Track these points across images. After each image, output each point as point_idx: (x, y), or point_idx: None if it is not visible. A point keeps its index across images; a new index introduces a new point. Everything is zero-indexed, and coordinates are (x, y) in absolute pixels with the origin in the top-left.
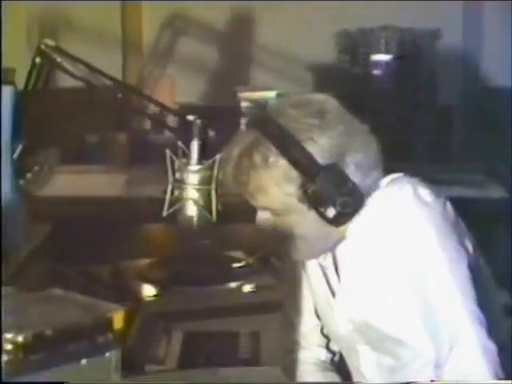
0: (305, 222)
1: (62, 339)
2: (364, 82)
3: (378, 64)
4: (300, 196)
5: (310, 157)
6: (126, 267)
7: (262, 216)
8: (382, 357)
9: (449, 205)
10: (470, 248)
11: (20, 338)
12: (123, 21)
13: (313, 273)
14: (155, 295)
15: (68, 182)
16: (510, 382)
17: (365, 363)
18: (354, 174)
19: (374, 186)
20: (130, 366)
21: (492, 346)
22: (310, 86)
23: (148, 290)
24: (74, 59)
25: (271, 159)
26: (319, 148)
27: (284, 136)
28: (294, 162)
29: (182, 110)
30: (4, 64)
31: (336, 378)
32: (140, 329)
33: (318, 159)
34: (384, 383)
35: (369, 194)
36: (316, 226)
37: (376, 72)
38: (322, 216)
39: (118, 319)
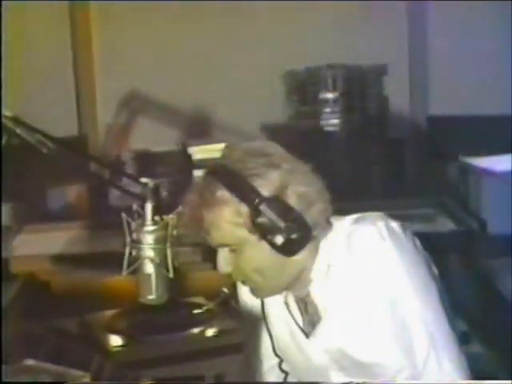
0: (259, 254)
1: None
2: (313, 120)
3: (325, 101)
4: (249, 227)
5: (254, 190)
6: (93, 320)
7: (222, 257)
8: (357, 381)
9: (415, 237)
10: (436, 275)
11: None
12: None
13: (275, 311)
14: (122, 345)
15: (33, 241)
16: (509, 382)
17: None
18: (296, 203)
19: (321, 217)
20: None
21: (464, 362)
22: (260, 132)
23: (115, 341)
24: (32, 129)
25: (219, 195)
26: (265, 182)
27: (231, 175)
28: (241, 196)
29: (139, 171)
30: None
31: None
32: (109, 378)
33: (263, 192)
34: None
35: (316, 224)
36: (271, 258)
37: (324, 109)
38: (272, 244)
39: None
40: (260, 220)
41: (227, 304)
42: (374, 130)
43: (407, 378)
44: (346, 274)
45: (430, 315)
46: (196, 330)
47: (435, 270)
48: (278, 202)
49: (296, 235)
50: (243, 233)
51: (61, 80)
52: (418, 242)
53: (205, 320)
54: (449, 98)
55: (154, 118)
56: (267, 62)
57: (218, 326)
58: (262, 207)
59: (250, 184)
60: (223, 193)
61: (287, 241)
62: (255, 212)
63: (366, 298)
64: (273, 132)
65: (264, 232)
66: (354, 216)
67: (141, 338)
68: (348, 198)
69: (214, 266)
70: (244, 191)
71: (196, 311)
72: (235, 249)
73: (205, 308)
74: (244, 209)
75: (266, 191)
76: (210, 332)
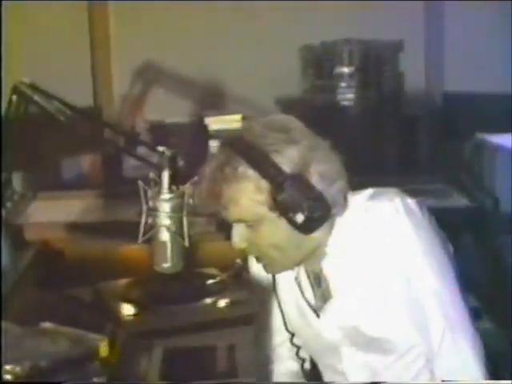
0: (277, 231)
1: (56, 369)
2: (328, 94)
3: (341, 76)
4: (270, 204)
5: (277, 167)
6: (106, 288)
7: (237, 231)
8: (369, 356)
9: (430, 213)
10: (451, 253)
11: (18, 370)
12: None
13: (285, 288)
14: (135, 314)
15: (47, 209)
16: (509, 382)
17: (349, 364)
18: (318, 182)
19: (340, 195)
20: (110, 365)
21: (478, 340)
22: (275, 105)
23: (128, 310)
24: (49, 96)
25: (241, 171)
26: (285, 159)
27: (252, 150)
28: (263, 173)
29: (153, 142)
30: None
31: None
32: (122, 347)
33: (285, 169)
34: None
35: (335, 201)
36: (288, 235)
37: (340, 84)
38: (292, 222)
39: (103, 349)
40: (282, 198)
41: (240, 275)
42: (389, 106)
43: (419, 355)
44: (362, 249)
45: (445, 295)
46: (209, 301)
47: (450, 247)
48: (300, 180)
49: (317, 214)
50: (263, 210)
51: (76, 51)
52: (433, 220)
53: (217, 291)
54: (465, 75)
55: (168, 89)
56: (282, 36)
57: (230, 297)
58: (286, 185)
59: (273, 160)
60: (245, 168)
61: (307, 219)
62: (277, 189)
63: (381, 274)
64: (287, 105)
65: (285, 210)
66: (370, 191)
67: (153, 307)
68: (362, 172)
69: (228, 237)
70: (266, 168)
71: (209, 282)
72: (252, 224)
73: (218, 279)
74: (265, 186)
75: (287, 168)
76: (223, 303)
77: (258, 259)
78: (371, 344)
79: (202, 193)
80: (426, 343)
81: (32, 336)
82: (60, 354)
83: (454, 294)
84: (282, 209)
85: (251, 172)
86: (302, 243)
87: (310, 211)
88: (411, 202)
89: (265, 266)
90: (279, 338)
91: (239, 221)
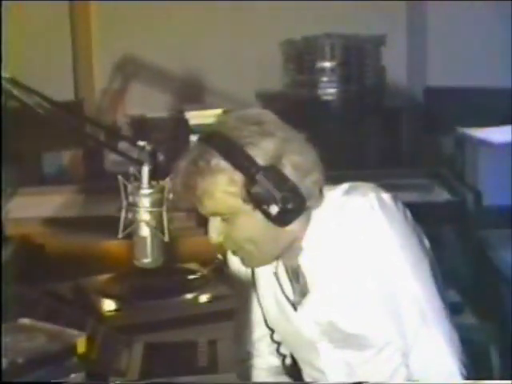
0: (252, 224)
1: (33, 365)
2: (310, 89)
3: (323, 71)
4: (244, 196)
5: (250, 159)
6: (87, 284)
7: (213, 225)
8: (346, 352)
9: (406, 208)
10: (427, 248)
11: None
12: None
13: (264, 283)
14: (115, 309)
15: (27, 204)
16: (509, 382)
17: (326, 361)
18: (291, 174)
19: (315, 188)
20: (93, 378)
21: (455, 335)
22: (256, 99)
23: (108, 305)
24: (30, 91)
25: (214, 163)
26: (260, 151)
27: (226, 143)
28: (236, 165)
29: (134, 137)
30: None
31: (288, 381)
32: (102, 342)
33: (258, 161)
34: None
35: (310, 194)
36: (263, 228)
37: (321, 78)
38: (266, 214)
39: (81, 344)
40: (255, 190)
41: (221, 270)
42: (370, 101)
43: (396, 351)
44: (337, 245)
45: (420, 290)
46: (189, 296)
47: (426, 242)
48: (274, 172)
49: (291, 205)
50: (237, 202)
51: (58, 44)
52: (409, 214)
53: (198, 286)
54: (447, 70)
55: (148, 82)
56: (265, 30)
57: (211, 292)
58: (259, 177)
59: (246, 153)
60: (218, 161)
61: (282, 211)
62: (251, 181)
63: (355, 271)
64: (268, 100)
65: (259, 202)
66: (346, 186)
67: (134, 302)
68: (344, 167)
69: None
70: (240, 160)
71: (190, 277)
72: (227, 218)
73: (199, 274)
74: (239, 178)
75: (261, 160)
76: (204, 298)
77: (235, 253)
78: (348, 340)
79: (176, 187)
80: (402, 338)
81: (9, 332)
82: (37, 349)
83: (429, 289)
84: (256, 201)
85: (225, 164)
86: (278, 237)
87: (284, 202)
88: (386, 196)
89: (242, 260)
90: (259, 333)
91: (214, 214)
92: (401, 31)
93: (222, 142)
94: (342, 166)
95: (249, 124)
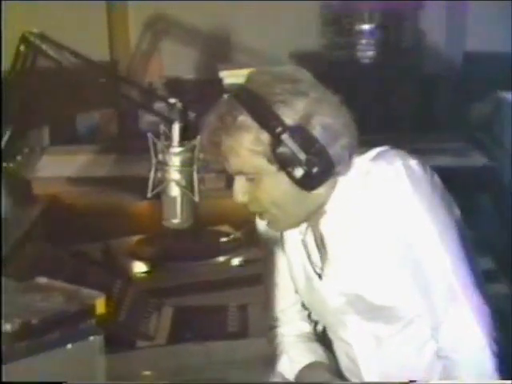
0: (277, 186)
1: (48, 326)
2: (348, 51)
3: (361, 33)
4: (269, 156)
5: (277, 118)
6: (116, 245)
7: (238, 185)
8: (373, 325)
9: (436, 175)
10: (457, 216)
11: (8, 327)
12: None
13: (292, 250)
14: (145, 272)
15: (57, 163)
16: (509, 382)
17: (353, 334)
18: (320, 135)
19: (345, 153)
20: (120, 342)
21: (485, 308)
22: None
23: (138, 267)
24: (59, 46)
25: (240, 120)
26: (290, 111)
27: (255, 100)
28: (263, 123)
29: (165, 94)
30: None
31: (319, 348)
32: (131, 305)
33: (287, 121)
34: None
35: (339, 159)
36: (288, 191)
37: (360, 41)
38: (291, 177)
39: (100, 305)
40: (281, 150)
41: (253, 233)
42: (408, 64)
43: (425, 324)
44: (361, 213)
45: (449, 261)
46: (221, 259)
47: (457, 210)
48: (301, 132)
49: (317, 169)
50: (262, 162)
51: (92, 4)
52: (438, 181)
53: (231, 249)
54: (486, 35)
55: (180, 42)
56: None
57: (244, 256)
58: (284, 136)
59: (274, 111)
60: (245, 118)
61: (307, 174)
62: (277, 141)
63: (381, 239)
64: (303, 60)
65: (284, 163)
66: (373, 152)
67: (164, 264)
68: (380, 130)
69: None
70: (267, 118)
71: (222, 239)
72: (253, 178)
73: (231, 236)
74: (265, 137)
75: (290, 120)
76: (236, 261)
77: (261, 216)
78: (375, 312)
79: (203, 142)
80: (430, 312)
81: (25, 292)
82: (53, 310)
83: (457, 259)
84: (281, 162)
85: (251, 122)
86: (303, 200)
87: (310, 165)
88: (413, 163)
89: (268, 223)
90: (289, 299)
91: (240, 173)
92: None
93: (250, 99)
94: (378, 129)
95: (282, 82)
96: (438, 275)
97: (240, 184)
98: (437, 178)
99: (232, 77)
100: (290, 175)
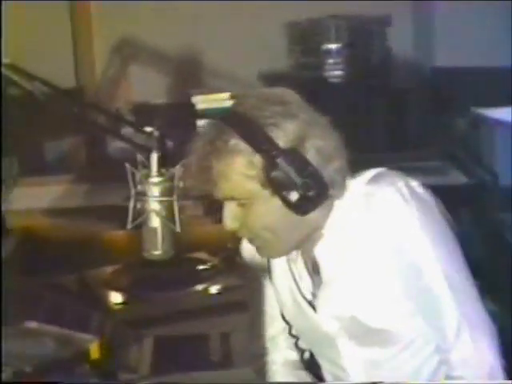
0: (270, 210)
1: (42, 374)
2: (315, 71)
3: (328, 52)
4: (262, 181)
5: (271, 141)
6: (93, 276)
7: (228, 211)
8: (368, 350)
9: (437, 197)
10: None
11: (2, 376)
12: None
13: (280, 277)
14: (123, 302)
15: (29, 195)
16: (510, 382)
17: (347, 358)
18: (314, 158)
19: (339, 175)
20: (103, 375)
21: (494, 329)
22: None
23: (115, 298)
24: (30, 77)
25: (232, 144)
26: (282, 133)
27: (246, 122)
28: (256, 147)
29: (140, 123)
30: None
31: (307, 376)
32: (110, 337)
33: (280, 143)
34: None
35: (333, 181)
36: (282, 215)
37: (327, 60)
38: (286, 201)
39: (94, 350)
40: (275, 174)
41: (232, 260)
42: (377, 82)
43: (426, 344)
44: (362, 235)
45: (458, 284)
46: (199, 287)
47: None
48: (296, 156)
49: (312, 193)
50: (255, 187)
51: (57, 31)
52: (438, 201)
53: (208, 276)
54: (454, 49)
55: (150, 66)
56: (269, 12)
57: (222, 283)
58: (279, 160)
59: (267, 134)
60: (237, 142)
61: (302, 198)
62: (270, 165)
63: (383, 262)
64: (272, 81)
65: (278, 187)
66: (369, 174)
67: (142, 295)
68: (352, 150)
69: (217, 221)
70: (260, 141)
71: (200, 267)
72: (244, 203)
73: (209, 264)
74: (258, 160)
75: (282, 143)
76: (214, 289)
77: (251, 241)
78: (370, 336)
79: (191, 168)
80: (439, 336)
81: (15, 337)
82: (45, 357)
83: (466, 281)
84: (275, 186)
85: (243, 145)
86: (297, 225)
87: (305, 189)
88: (415, 184)
89: (258, 250)
90: (276, 326)
91: (230, 198)
92: (406, 11)
93: (241, 122)
94: (349, 150)
95: (271, 104)
96: (446, 301)
97: (230, 209)
98: (438, 200)
99: (205, 102)
100: (285, 199)
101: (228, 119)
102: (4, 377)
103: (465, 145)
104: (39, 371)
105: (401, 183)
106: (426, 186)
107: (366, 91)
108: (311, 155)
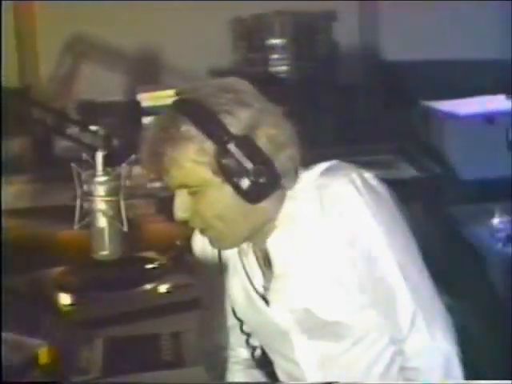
0: (222, 198)
1: None
2: (261, 67)
3: (273, 48)
4: (214, 167)
5: (223, 127)
6: (42, 277)
7: (180, 200)
8: (321, 343)
9: (387, 188)
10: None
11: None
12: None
13: (231, 271)
14: (71, 304)
15: None
16: (509, 382)
17: (300, 352)
18: (266, 146)
19: (290, 164)
20: (51, 373)
21: (449, 317)
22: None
23: (64, 299)
24: None
25: (184, 130)
26: (235, 120)
27: (199, 109)
28: (207, 133)
29: (85, 121)
30: None
31: (259, 374)
32: (60, 340)
33: (232, 130)
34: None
35: (285, 170)
36: (233, 204)
37: (272, 56)
38: (237, 188)
39: (43, 355)
40: (226, 160)
41: (181, 258)
42: (324, 77)
43: (379, 337)
44: (315, 227)
45: (413, 274)
46: (149, 287)
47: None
48: (247, 142)
49: (263, 180)
50: (206, 173)
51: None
52: (392, 193)
53: (157, 275)
54: (401, 43)
55: (98, 63)
56: (214, 8)
57: (171, 282)
58: (230, 146)
59: (220, 120)
60: (189, 128)
61: (253, 185)
62: (222, 151)
63: (336, 254)
64: (220, 77)
65: (229, 174)
66: (322, 166)
67: (90, 295)
68: (301, 146)
69: (166, 219)
70: (212, 128)
71: (149, 266)
72: (196, 191)
73: (157, 263)
74: (210, 147)
75: (235, 129)
76: (163, 288)
77: (203, 232)
78: (324, 329)
79: (143, 156)
80: (393, 326)
81: None
82: None
83: (421, 272)
84: (227, 173)
85: (195, 132)
86: (249, 214)
87: (256, 176)
88: (369, 176)
89: (210, 240)
90: (228, 323)
91: (182, 186)
92: (353, 5)
93: (194, 108)
94: (300, 145)
95: (225, 92)
96: (402, 289)
97: (181, 199)
98: (390, 191)
99: (151, 99)
100: (236, 186)
101: (181, 106)
102: None
103: (414, 138)
104: None
105: (354, 175)
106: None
107: (313, 86)
108: (263, 143)
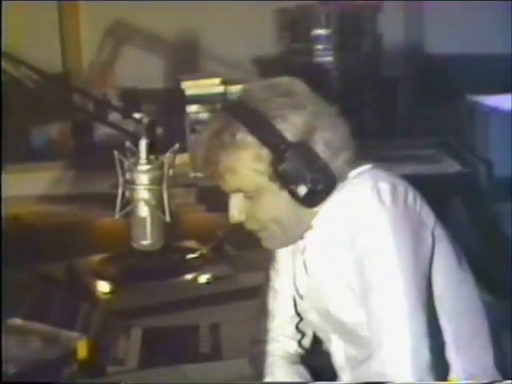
0: (278, 203)
1: (27, 375)
2: (305, 57)
3: (318, 39)
4: (270, 174)
5: (279, 134)
6: (80, 265)
7: (235, 203)
8: (348, 346)
9: (410, 193)
10: (434, 236)
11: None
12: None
13: (284, 264)
14: (110, 292)
15: (16, 182)
16: (510, 382)
17: (336, 352)
18: (323, 151)
19: (347, 168)
20: (90, 367)
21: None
22: (253, 68)
23: (102, 287)
24: (17, 62)
25: (239, 138)
26: (289, 125)
27: (253, 115)
28: (263, 140)
29: (129, 109)
30: None
31: (304, 371)
32: (98, 330)
33: (288, 136)
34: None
35: (341, 174)
36: (289, 208)
37: (317, 46)
38: (294, 194)
39: (82, 348)
40: (283, 168)
41: (221, 248)
42: (368, 69)
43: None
44: (337, 231)
45: (404, 302)
46: (189, 277)
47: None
48: (304, 149)
49: (320, 186)
50: (262, 180)
51: (44, 16)
52: (420, 203)
53: (198, 266)
54: (446, 36)
55: (141, 50)
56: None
57: (211, 272)
58: (288, 154)
59: (274, 127)
60: (244, 135)
61: (310, 192)
62: (279, 159)
63: (347, 259)
64: (264, 67)
65: (286, 181)
66: (363, 168)
67: (130, 284)
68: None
69: (208, 209)
70: (267, 135)
71: (189, 256)
72: (251, 195)
73: (198, 253)
74: (266, 154)
75: (290, 136)
76: (203, 278)
77: (257, 232)
78: (346, 331)
79: (197, 161)
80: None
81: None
82: (31, 357)
83: (416, 306)
84: (284, 180)
85: (251, 139)
86: (303, 217)
87: (314, 183)
88: (400, 189)
89: (263, 240)
90: (285, 314)
91: (237, 191)
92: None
93: (248, 115)
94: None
95: (278, 95)
96: (384, 305)
97: (237, 202)
98: (410, 197)
99: (195, 87)
100: (293, 193)
101: (234, 111)
102: None
103: (459, 133)
104: (24, 372)
105: (383, 184)
106: (414, 189)
107: (356, 78)
108: (320, 148)
